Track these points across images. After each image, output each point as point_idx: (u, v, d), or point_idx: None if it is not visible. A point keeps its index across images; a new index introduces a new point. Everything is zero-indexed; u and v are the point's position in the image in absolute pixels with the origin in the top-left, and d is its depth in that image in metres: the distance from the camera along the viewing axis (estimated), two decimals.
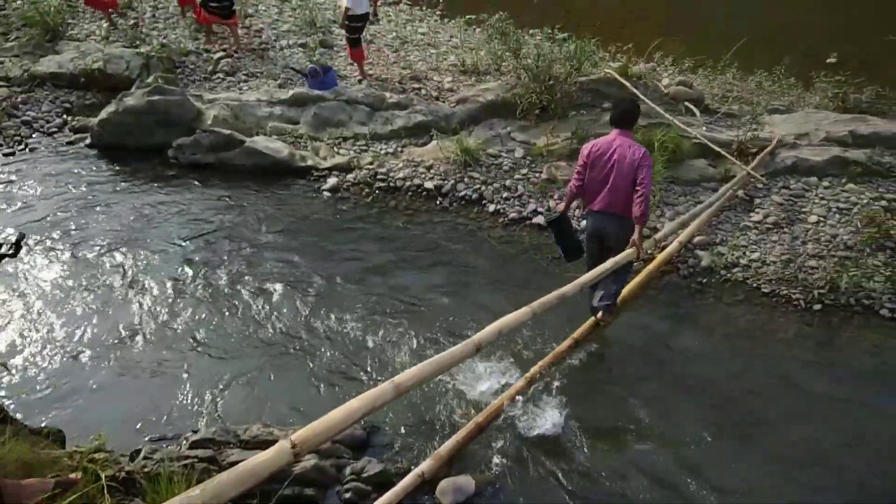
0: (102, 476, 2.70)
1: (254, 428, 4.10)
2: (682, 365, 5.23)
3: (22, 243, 3.71)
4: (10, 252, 3.64)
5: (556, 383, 4.75)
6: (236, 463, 3.27)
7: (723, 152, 7.85)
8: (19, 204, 7.11)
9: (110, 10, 11.17)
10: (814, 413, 4.75)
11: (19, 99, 9.37)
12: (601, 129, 8.18)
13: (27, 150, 8.43)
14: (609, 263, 4.74)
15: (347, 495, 3.81)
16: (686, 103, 9.11)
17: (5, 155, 8.22)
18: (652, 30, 12.04)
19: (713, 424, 4.57)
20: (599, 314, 5.32)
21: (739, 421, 4.66)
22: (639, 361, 5.26)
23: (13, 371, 4.75)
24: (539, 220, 7.06)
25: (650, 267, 6.08)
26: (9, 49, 10.15)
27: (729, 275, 6.33)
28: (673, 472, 4.16)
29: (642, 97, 8.38)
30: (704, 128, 8.56)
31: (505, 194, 7.50)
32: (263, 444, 3.73)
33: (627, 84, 8.71)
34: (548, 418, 4.47)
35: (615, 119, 4.92)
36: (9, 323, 5.26)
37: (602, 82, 8.97)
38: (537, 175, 7.78)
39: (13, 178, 7.67)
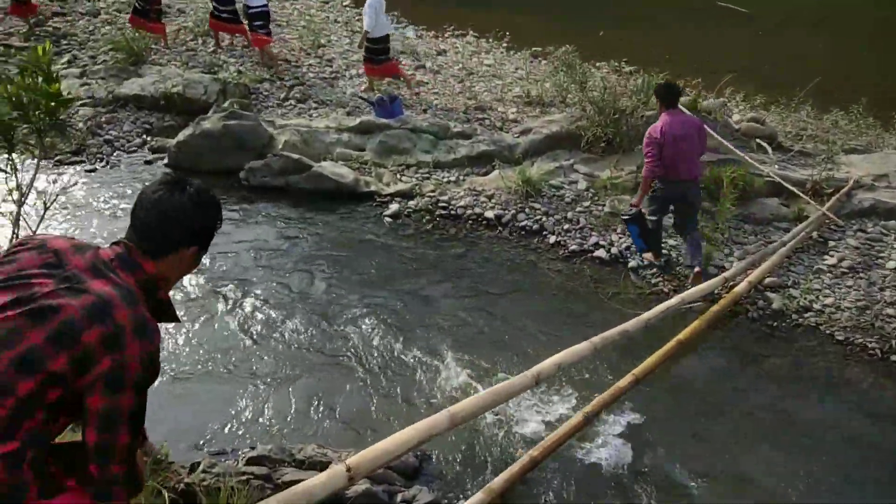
0: (165, 493, 2.75)
1: (308, 448, 4.11)
2: (748, 410, 5.00)
3: None
4: None
5: (616, 421, 4.62)
6: (290, 482, 3.30)
7: (796, 191, 7.58)
8: (101, 218, 7.49)
9: (29, 15, 11.64)
10: (884, 470, 4.45)
11: (103, 119, 9.92)
12: None
13: (109, 166, 8.88)
14: (675, 301, 4.63)
15: None
16: (758, 140, 8.88)
17: (88, 171, 8.69)
18: (722, 66, 11.84)
19: (778, 473, 4.33)
20: (696, 268, 6.25)
21: (806, 471, 4.40)
22: (702, 404, 5.05)
23: None
24: (601, 253, 6.96)
25: (717, 307, 5.88)
26: (96, 72, 10.78)
27: (801, 319, 6.06)
28: None
29: (712, 132, 8.21)
30: (777, 166, 8.30)
31: (566, 226, 7.43)
32: (317, 466, 3.75)
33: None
34: (605, 457, 4.34)
35: (667, 99, 6.12)
36: None
37: None
38: (600, 208, 7.69)
39: (96, 192, 8.09)
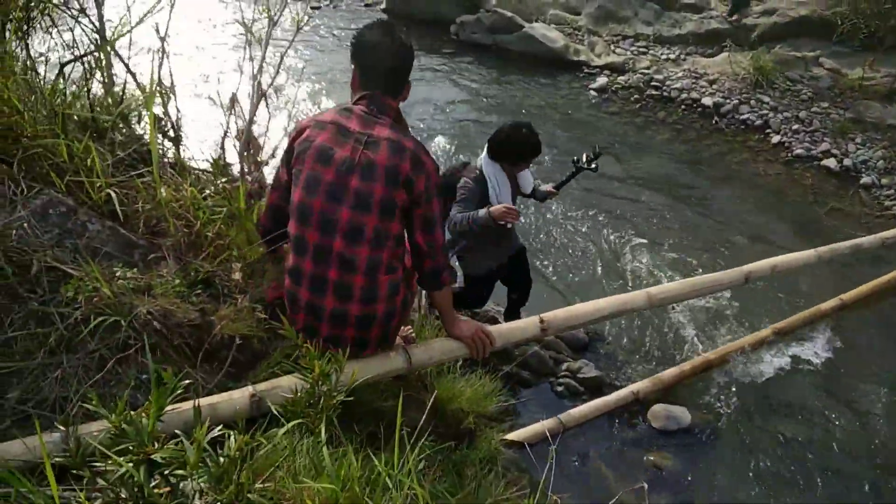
0: None
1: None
2: None
3: (600, 156, 3.72)
4: (592, 167, 3.62)
5: (807, 344, 4.27)
6: None
7: None
8: (325, 49, 7.94)
9: None
10: None
11: None
12: None
13: (332, 5, 9.26)
14: None
15: (559, 388, 3.90)
16: None
17: (313, 7, 9.13)
18: None
19: None
20: None
21: None
22: None
23: None
24: (830, 163, 6.16)
25: None
26: None
27: None
28: None
29: None
30: None
31: (795, 126, 6.62)
32: (492, 321, 3.96)
33: None
34: (784, 377, 4.08)
35: None
36: None
37: None
38: (841, 112, 6.71)
39: (319, 30, 8.53)
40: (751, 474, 3.53)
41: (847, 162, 6.21)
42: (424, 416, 1.79)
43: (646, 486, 2.20)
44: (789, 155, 6.38)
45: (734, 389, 4.00)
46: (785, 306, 4.60)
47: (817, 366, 4.19)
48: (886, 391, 4.10)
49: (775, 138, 6.56)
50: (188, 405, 1.64)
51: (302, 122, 2.11)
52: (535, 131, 3.39)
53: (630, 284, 4.71)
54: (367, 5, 9.41)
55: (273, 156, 3.39)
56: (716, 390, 4.00)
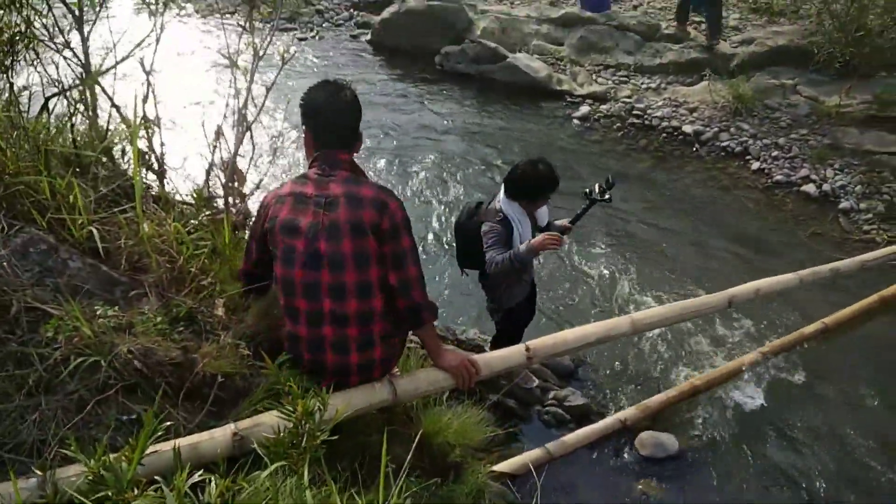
0: None
1: (470, 332, 4.32)
2: None
3: (613, 186, 3.60)
4: (606, 198, 3.57)
5: (793, 368, 4.29)
6: None
7: None
8: (309, 80, 7.99)
9: None
10: None
11: None
12: None
13: (318, 37, 9.35)
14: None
15: (546, 417, 3.89)
16: None
17: (299, 39, 9.22)
18: None
19: None
20: None
21: None
22: (892, 370, 4.53)
23: None
24: (809, 188, 6.26)
25: None
26: None
27: None
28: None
29: None
30: None
31: (775, 153, 6.72)
32: (477, 349, 3.94)
33: None
34: (770, 402, 4.09)
35: None
36: None
37: None
38: (819, 138, 6.84)
39: (305, 60, 8.61)
40: (739, 501, 3.53)
41: (826, 187, 6.31)
42: (411, 452, 1.78)
43: None
44: (769, 181, 6.48)
45: (721, 415, 4.01)
46: (769, 331, 4.63)
47: (803, 390, 4.20)
48: (870, 415, 4.12)
49: (755, 165, 6.66)
50: (169, 446, 1.62)
51: (266, 197, 2.21)
52: (550, 165, 3.38)
53: (614, 311, 4.73)
54: (353, 36, 9.52)
55: (258, 187, 3.40)
56: (703, 416, 4.00)
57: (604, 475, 3.61)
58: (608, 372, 4.34)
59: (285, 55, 2.71)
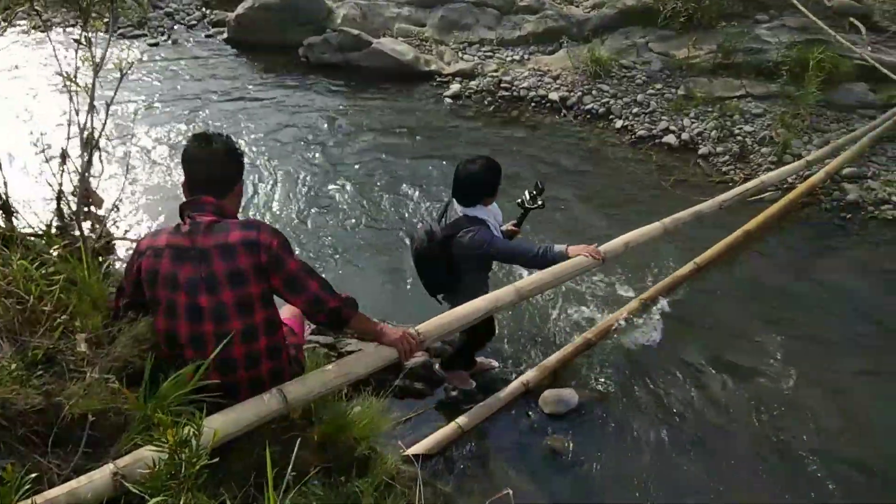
0: None
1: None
2: (811, 304, 4.87)
3: (543, 191, 3.60)
4: (539, 204, 3.57)
5: (674, 309, 4.59)
6: (353, 352, 3.46)
7: (890, 75, 6.95)
8: (164, 91, 7.57)
9: None
10: None
11: None
12: (751, 44, 7.47)
13: (170, 41, 8.87)
14: (754, 183, 4.38)
15: (453, 393, 3.95)
16: (851, 19, 8.07)
17: (151, 45, 8.71)
18: None
19: (835, 370, 4.26)
20: None
21: (863, 366, 4.29)
22: (766, 295, 4.95)
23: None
24: (670, 139, 6.67)
25: (790, 196, 5.63)
26: None
27: (877, 212, 5.75)
28: (778, 410, 3.94)
29: (801, 8, 7.51)
30: (869, 48, 7.58)
31: (635, 110, 7.11)
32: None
33: None
34: (656, 343, 4.36)
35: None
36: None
37: None
38: (673, 91, 7.28)
39: (160, 68, 8.14)
40: (641, 441, 3.74)
41: (685, 136, 6.74)
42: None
43: (510, 492, 2.26)
44: (633, 137, 6.84)
45: (614, 363, 4.24)
46: (649, 277, 4.92)
47: (685, 327, 4.51)
48: (749, 341, 4.49)
49: (619, 123, 7.01)
50: (43, 498, 1.52)
51: (141, 243, 2.16)
52: (484, 158, 3.29)
53: (500, 282, 4.84)
54: (208, 36, 9.09)
55: (116, 208, 3.21)
56: (598, 367, 4.22)
57: (513, 439, 3.73)
58: (507, 341, 4.46)
59: (123, 66, 2.55)
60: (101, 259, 2.70)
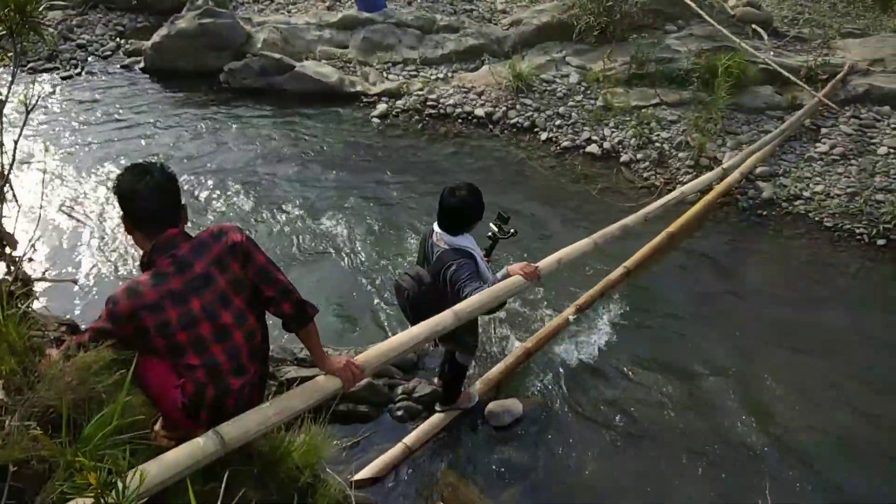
0: None
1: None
2: (737, 298, 5.12)
3: (508, 220, 3.60)
4: (511, 233, 3.58)
5: (606, 313, 4.72)
6: (294, 380, 3.39)
7: (792, 78, 7.42)
8: (80, 127, 7.28)
9: None
10: (869, 346, 4.62)
11: (74, 22, 9.48)
12: (662, 54, 7.83)
13: (84, 73, 8.56)
14: (675, 194, 4.59)
15: (399, 413, 3.92)
16: (753, 26, 8.60)
17: (64, 78, 8.37)
18: None
19: (764, 359, 4.50)
20: None
21: (789, 355, 4.55)
22: (691, 294, 5.17)
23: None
24: (593, 148, 6.88)
25: (708, 197, 5.90)
26: None
27: (790, 207, 6.11)
28: (714, 404, 4.11)
29: (707, 18, 7.94)
30: (772, 52, 8.09)
31: (558, 122, 7.31)
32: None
33: (692, 4, 8.23)
34: (594, 348, 4.47)
35: None
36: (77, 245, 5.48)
37: (665, 2, 8.51)
38: (592, 101, 7.54)
39: (75, 102, 7.83)
40: (585, 444, 3.81)
41: (607, 145, 6.97)
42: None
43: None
44: (558, 148, 7.03)
45: (555, 369, 4.32)
46: (581, 286, 5.04)
47: (621, 329, 4.64)
48: (682, 338, 4.66)
49: (544, 135, 7.19)
50: None
51: (124, 305, 2.05)
52: (468, 185, 3.27)
53: None
54: (124, 66, 8.81)
55: (34, 248, 3.06)
56: (540, 375, 4.28)
57: (462, 454, 3.73)
58: None
59: (28, 104, 2.44)
60: (17, 302, 2.57)
